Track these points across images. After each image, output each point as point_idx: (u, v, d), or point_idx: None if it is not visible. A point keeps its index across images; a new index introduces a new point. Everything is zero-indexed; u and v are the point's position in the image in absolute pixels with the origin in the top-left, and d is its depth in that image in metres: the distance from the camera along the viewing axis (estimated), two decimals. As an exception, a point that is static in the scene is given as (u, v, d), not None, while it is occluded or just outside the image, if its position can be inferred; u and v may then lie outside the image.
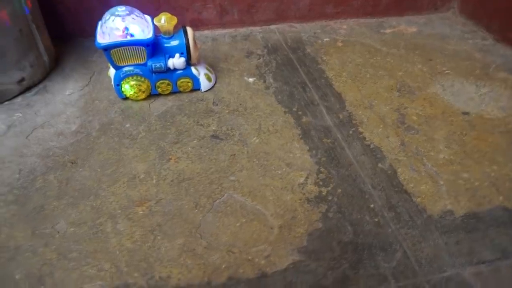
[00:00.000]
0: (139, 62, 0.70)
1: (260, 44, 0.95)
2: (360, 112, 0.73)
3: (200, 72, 0.75)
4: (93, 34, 0.68)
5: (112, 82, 0.72)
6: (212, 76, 0.78)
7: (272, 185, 0.58)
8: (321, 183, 0.58)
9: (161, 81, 0.73)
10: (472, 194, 0.57)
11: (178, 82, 0.74)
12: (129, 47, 0.67)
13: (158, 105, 0.74)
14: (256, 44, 0.94)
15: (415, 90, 0.80)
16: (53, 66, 0.83)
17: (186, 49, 0.70)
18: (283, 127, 0.69)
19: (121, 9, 0.67)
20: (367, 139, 0.67)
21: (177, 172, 0.60)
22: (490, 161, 0.63)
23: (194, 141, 0.66)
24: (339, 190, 0.57)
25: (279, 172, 0.60)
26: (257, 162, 0.62)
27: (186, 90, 0.76)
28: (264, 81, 0.81)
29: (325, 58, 0.90)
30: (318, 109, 0.74)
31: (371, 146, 0.65)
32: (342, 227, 0.53)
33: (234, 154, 0.63)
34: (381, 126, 0.70)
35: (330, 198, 0.56)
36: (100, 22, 0.69)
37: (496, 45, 0.97)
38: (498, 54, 0.94)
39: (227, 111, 0.73)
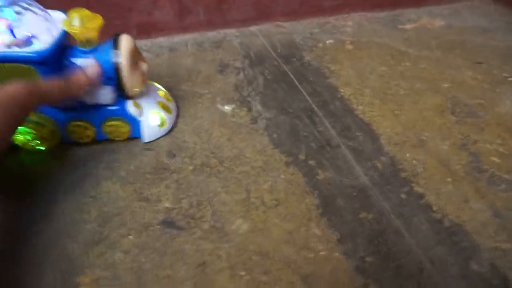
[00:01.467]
0: None
1: (239, 52, 0.66)
2: (407, 154, 0.45)
3: (145, 110, 0.45)
4: None
5: None
6: (168, 117, 0.48)
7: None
8: (378, 323, 0.30)
9: (76, 123, 0.43)
10: None
11: (105, 126, 0.44)
12: (11, 63, 0.37)
13: (70, 158, 0.44)
14: (232, 53, 0.66)
15: (477, 110, 0.53)
16: None
17: (115, 73, 0.41)
18: (289, 194, 0.40)
19: None
20: (434, 208, 0.39)
21: (92, 316, 0.30)
22: None
23: (131, 237, 0.36)
24: None
25: (293, 300, 0.31)
26: (247, 278, 0.33)
27: (119, 139, 0.46)
28: (249, 110, 0.52)
29: (333, 68, 0.62)
30: (340, 154, 0.45)
31: (446, 223, 0.37)
32: None
33: (204, 263, 0.34)
34: (449, 179, 0.42)
35: None
36: None
37: (557, 38, 0.71)
38: None
39: (191, 167, 0.43)
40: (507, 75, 0.60)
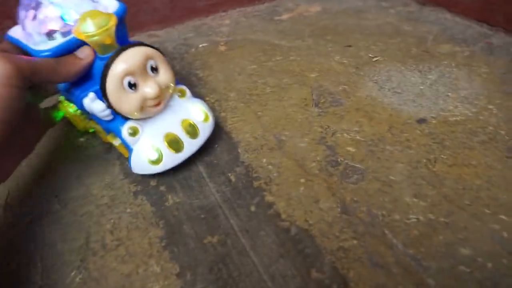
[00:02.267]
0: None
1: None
2: (264, 160, 0.43)
3: (142, 139, 0.39)
4: None
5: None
6: (170, 155, 0.40)
7: None
8: None
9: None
10: None
11: (108, 138, 0.42)
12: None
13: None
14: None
15: (340, 97, 0.52)
16: None
17: (100, 83, 0.36)
18: (131, 230, 0.37)
19: None
20: (282, 216, 0.37)
21: None
22: (491, 206, 0.36)
23: None
24: None
25: None
26: None
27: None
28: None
29: (202, 74, 0.60)
30: (193, 173, 0.43)
31: (292, 231, 0.36)
32: None
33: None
34: (302, 180, 0.41)
35: None
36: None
37: (423, 10, 0.73)
38: (430, 20, 0.69)
39: (28, 219, 0.39)
40: (372, 56, 0.61)
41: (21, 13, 0.37)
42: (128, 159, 0.40)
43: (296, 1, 0.82)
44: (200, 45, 0.68)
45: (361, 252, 0.33)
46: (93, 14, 0.35)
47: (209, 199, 0.39)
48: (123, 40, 0.38)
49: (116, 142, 0.42)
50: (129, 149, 0.39)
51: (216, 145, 0.46)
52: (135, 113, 0.37)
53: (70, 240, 0.37)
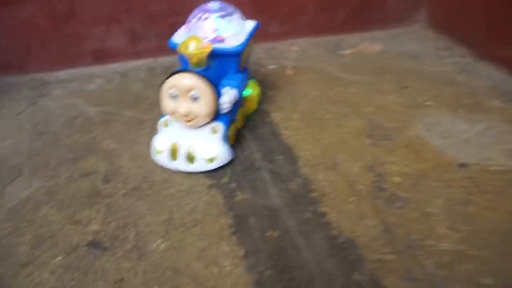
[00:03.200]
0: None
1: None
2: (320, 175, 0.51)
3: (162, 131, 0.53)
4: None
5: None
6: (165, 154, 0.51)
7: None
8: (263, 329, 0.35)
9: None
10: (505, 318, 0.36)
11: None
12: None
13: (19, 187, 0.48)
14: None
15: (392, 133, 0.59)
16: None
17: None
18: (206, 215, 0.45)
19: (212, 5, 0.54)
20: (333, 225, 0.44)
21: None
22: (516, 248, 0.42)
23: (59, 258, 0.40)
24: None
25: (194, 311, 0.36)
26: (157, 292, 0.37)
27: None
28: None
29: (270, 93, 0.68)
30: (260, 177, 0.50)
31: (340, 238, 0.42)
32: None
33: (122, 279, 0.38)
34: (351, 199, 0.47)
35: None
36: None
37: (478, 64, 0.79)
38: (483, 75, 0.75)
39: (122, 191, 0.48)
40: (426, 99, 0.67)
41: (193, 16, 0.54)
42: None
43: (359, 38, 0.90)
44: (270, 67, 0.77)
45: (397, 266, 0.40)
46: (197, 39, 0.47)
47: (272, 201, 0.47)
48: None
49: None
50: None
51: (280, 157, 0.53)
52: (167, 114, 0.50)
53: (155, 214, 0.45)
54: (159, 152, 0.51)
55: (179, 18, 0.76)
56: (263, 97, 0.66)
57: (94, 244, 0.41)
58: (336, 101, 0.66)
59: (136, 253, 0.41)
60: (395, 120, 0.62)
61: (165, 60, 0.79)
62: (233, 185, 0.49)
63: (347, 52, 0.83)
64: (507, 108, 0.65)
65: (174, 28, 0.78)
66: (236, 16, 0.54)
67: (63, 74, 0.73)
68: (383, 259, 0.40)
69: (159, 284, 0.38)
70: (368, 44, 0.87)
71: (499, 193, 0.48)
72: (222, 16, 0.53)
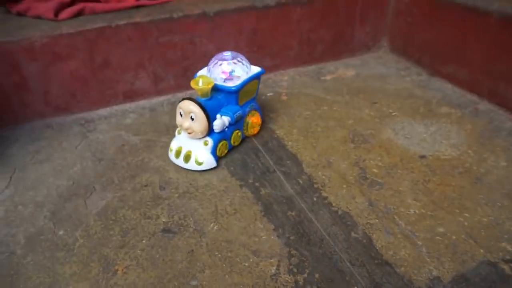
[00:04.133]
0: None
1: (202, 109, 0.89)
2: (319, 172, 0.69)
3: (176, 136, 0.73)
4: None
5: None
6: (173, 153, 0.72)
7: (241, 284, 0.50)
8: (295, 269, 0.52)
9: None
10: (453, 251, 0.54)
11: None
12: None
13: (96, 199, 0.65)
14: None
15: (368, 138, 0.78)
16: (-37, 170, 0.71)
17: None
18: (242, 205, 0.62)
19: (226, 54, 0.72)
20: (333, 204, 0.62)
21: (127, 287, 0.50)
22: (460, 208, 0.61)
23: (144, 241, 0.57)
24: (317, 275, 0.51)
25: (246, 264, 0.53)
26: (219, 255, 0.54)
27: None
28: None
29: (272, 115, 0.87)
30: (275, 177, 0.68)
31: (339, 212, 0.60)
32: (329, 323, 0.46)
33: (192, 250, 0.55)
34: (344, 186, 0.66)
35: (308, 287, 0.50)
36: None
37: (431, 80, 1.00)
38: (435, 88, 0.96)
39: (176, 195, 0.65)
40: (391, 111, 0.87)
41: (212, 62, 0.72)
42: None
43: (336, 65, 1.10)
44: (268, 94, 0.96)
45: (380, 226, 0.58)
46: (205, 78, 0.66)
47: (287, 192, 0.65)
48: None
49: None
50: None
51: (288, 162, 0.71)
52: (178, 126, 0.70)
53: (205, 208, 0.62)
54: (170, 150, 0.72)
55: (190, 62, 0.96)
56: (267, 118, 0.85)
57: (166, 230, 0.58)
58: (324, 117, 0.85)
59: (198, 234, 0.57)
60: (370, 128, 0.81)
61: (181, 95, 0.97)
62: (257, 184, 0.67)
63: (328, 77, 1.04)
64: (453, 113, 0.85)
65: (187, 70, 0.97)
66: (245, 63, 0.73)
67: (102, 112, 0.90)
68: (370, 223, 0.58)
69: (218, 251, 0.55)
70: (343, 70, 1.07)
71: (448, 173, 0.67)
72: (235, 63, 0.72)
